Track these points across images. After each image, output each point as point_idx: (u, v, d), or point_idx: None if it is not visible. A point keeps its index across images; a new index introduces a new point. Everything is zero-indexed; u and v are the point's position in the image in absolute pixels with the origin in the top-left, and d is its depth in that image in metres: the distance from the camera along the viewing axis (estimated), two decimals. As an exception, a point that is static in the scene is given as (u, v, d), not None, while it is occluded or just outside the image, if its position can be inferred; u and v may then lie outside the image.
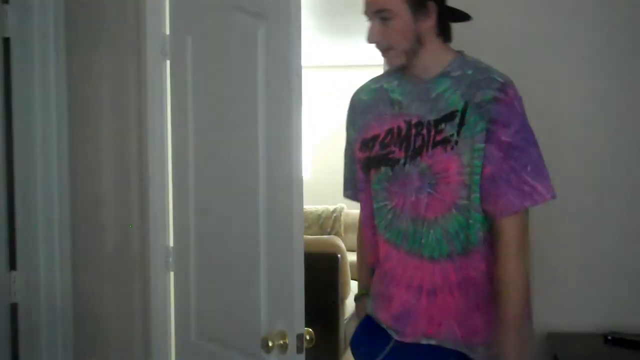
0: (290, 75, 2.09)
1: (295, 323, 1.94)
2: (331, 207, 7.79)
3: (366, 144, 2.04)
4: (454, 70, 1.90)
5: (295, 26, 2.10)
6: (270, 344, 1.94)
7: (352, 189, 2.19)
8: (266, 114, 2.18)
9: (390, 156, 1.95)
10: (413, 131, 1.91)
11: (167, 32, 2.62)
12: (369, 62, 7.54)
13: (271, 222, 2.13)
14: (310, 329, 2.02)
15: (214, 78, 2.39)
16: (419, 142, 1.89)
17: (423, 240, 1.90)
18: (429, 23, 1.89)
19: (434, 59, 1.93)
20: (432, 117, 1.89)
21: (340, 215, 7.74)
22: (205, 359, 2.44)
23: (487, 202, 1.84)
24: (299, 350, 1.92)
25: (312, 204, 7.53)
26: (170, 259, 2.64)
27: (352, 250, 7.79)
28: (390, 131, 1.96)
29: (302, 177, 2.11)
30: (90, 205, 2.62)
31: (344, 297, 4.90)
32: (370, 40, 1.94)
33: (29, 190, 2.50)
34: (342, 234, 7.55)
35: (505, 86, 1.82)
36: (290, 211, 2.06)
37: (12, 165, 2.45)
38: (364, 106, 2.08)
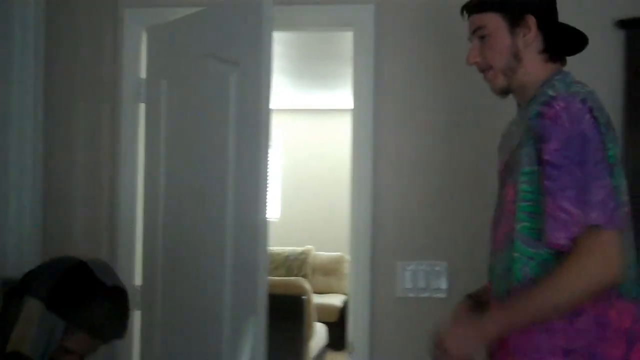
0: (260, 120, 2.18)
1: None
2: (299, 249, 7.83)
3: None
4: (542, 93, 1.67)
5: (266, 73, 2.20)
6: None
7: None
8: (236, 157, 2.26)
9: (500, 190, 1.81)
10: (511, 160, 1.73)
11: (143, 76, 2.71)
12: (339, 107, 7.74)
13: (237, 263, 2.19)
14: (273, 368, 2.08)
15: (187, 121, 2.48)
16: (511, 171, 1.72)
17: (495, 276, 1.74)
18: (529, 38, 1.72)
19: (531, 80, 1.73)
20: None
21: (308, 257, 7.79)
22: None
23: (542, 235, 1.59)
24: (262, 386, 1.97)
25: (280, 246, 7.58)
26: (138, 298, 2.68)
27: (319, 292, 7.81)
28: (504, 164, 1.81)
29: (267, 219, 2.18)
30: (58, 245, 2.64)
31: (308, 339, 4.93)
32: (469, 61, 1.80)
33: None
34: (310, 276, 7.59)
35: (553, 99, 1.58)
36: (255, 252, 2.13)
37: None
38: (503, 137, 1.91)
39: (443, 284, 2.59)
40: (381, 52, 2.66)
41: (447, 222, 2.62)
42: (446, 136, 2.64)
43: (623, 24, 2.50)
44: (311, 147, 8.17)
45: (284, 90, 6.95)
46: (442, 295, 2.60)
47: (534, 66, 1.73)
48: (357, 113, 2.67)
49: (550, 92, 1.61)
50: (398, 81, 2.66)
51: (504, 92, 1.80)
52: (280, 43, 4.82)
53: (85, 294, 1.70)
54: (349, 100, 2.71)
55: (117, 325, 1.75)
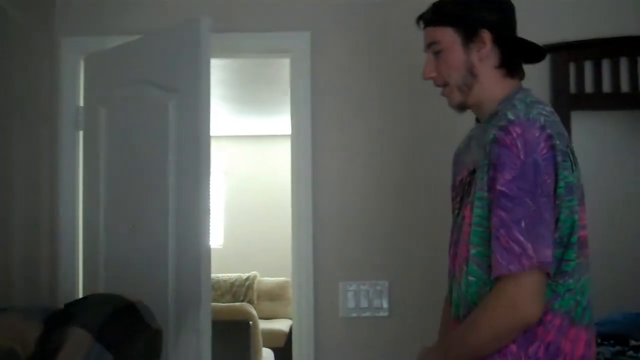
0: (200, 146, 2.20)
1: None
2: (244, 275, 7.80)
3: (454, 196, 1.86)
4: (502, 109, 1.62)
5: (204, 99, 2.23)
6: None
7: None
8: (176, 183, 2.28)
9: (455, 207, 1.78)
10: (468, 179, 1.69)
11: (81, 103, 2.70)
12: (280, 133, 7.78)
13: (180, 290, 2.19)
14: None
15: (127, 148, 2.48)
16: (467, 191, 1.68)
17: (454, 299, 1.71)
18: (483, 53, 1.67)
19: (488, 96, 1.69)
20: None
21: (254, 282, 7.75)
22: None
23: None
24: (207, 412, 1.97)
25: (225, 272, 7.53)
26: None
27: (265, 318, 7.75)
28: (460, 181, 1.77)
29: (209, 245, 2.19)
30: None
31: (256, 364, 4.91)
32: (424, 75, 1.75)
33: None
34: (255, 302, 7.56)
35: (510, 124, 1.53)
36: (199, 279, 2.14)
37: None
38: (457, 155, 1.86)
39: (384, 302, 2.64)
40: (318, 77, 2.71)
41: (387, 243, 2.67)
42: (384, 159, 2.71)
43: (548, 48, 2.62)
44: (253, 173, 8.18)
45: (224, 117, 6.96)
46: (384, 314, 2.64)
47: (490, 82, 1.69)
48: (295, 138, 2.71)
49: (510, 116, 1.55)
50: (335, 106, 2.72)
51: (461, 108, 1.75)
52: (220, 69, 4.85)
53: (132, 332, 1.79)
54: (288, 125, 2.75)
55: None
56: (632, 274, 2.66)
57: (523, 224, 1.49)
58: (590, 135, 2.74)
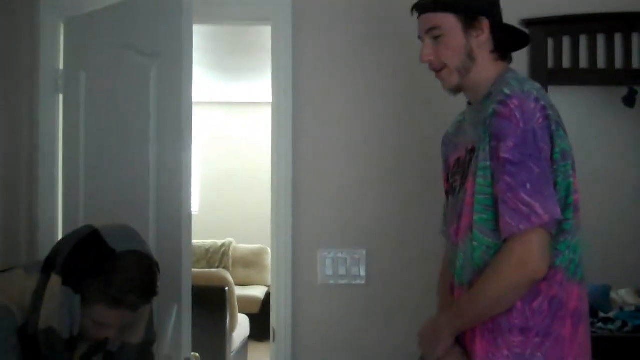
0: (181, 112, 2.21)
1: (183, 348, 2.03)
2: (219, 242, 7.83)
3: (447, 176, 1.99)
4: (494, 89, 1.77)
5: (187, 65, 2.23)
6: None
7: (444, 225, 2.02)
8: (157, 149, 2.28)
9: (454, 185, 1.89)
10: (468, 158, 1.81)
11: (61, 67, 2.67)
12: (257, 100, 7.75)
13: (161, 254, 2.21)
14: (197, 354, 2.12)
15: (107, 113, 2.47)
16: (470, 169, 1.78)
17: (457, 267, 1.80)
18: (482, 39, 1.82)
19: (484, 78, 1.82)
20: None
21: (229, 249, 7.79)
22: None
23: (497, 225, 1.68)
24: (186, 374, 2.00)
25: (200, 239, 7.55)
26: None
27: (241, 284, 7.80)
28: (457, 161, 1.89)
29: (191, 212, 2.21)
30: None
31: (232, 330, 4.96)
32: (423, 59, 1.86)
33: None
34: (231, 268, 7.61)
35: (508, 98, 1.67)
36: (180, 244, 2.16)
37: None
38: (449, 139, 2.01)
39: (362, 271, 2.68)
40: (299, 46, 2.71)
41: (366, 211, 2.71)
42: (365, 128, 2.73)
43: (527, 23, 2.65)
44: (231, 140, 8.16)
45: (203, 83, 6.92)
46: (361, 282, 2.68)
47: (486, 65, 1.83)
48: (276, 106, 2.72)
49: (506, 90, 1.68)
50: (316, 74, 2.73)
51: (457, 90, 1.87)
52: (200, 35, 4.81)
53: (95, 264, 1.64)
54: (269, 93, 2.76)
55: (137, 291, 1.65)
56: (602, 245, 2.72)
57: (528, 186, 1.62)
58: (566, 109, 2.79)
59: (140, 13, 2.36)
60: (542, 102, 1.68)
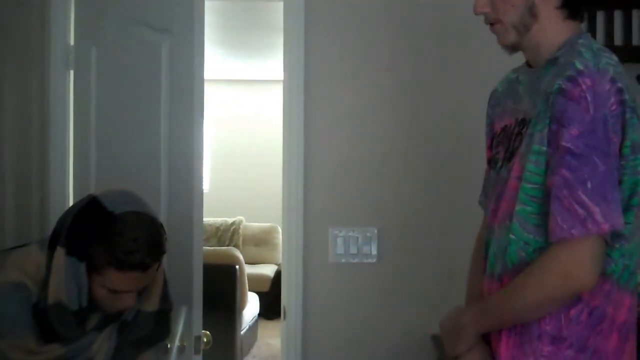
0: (193, 89, 2.19)
1: (194, 326, 2.03)
2: (230, 220, 7.85)
3: (491, 142, 1.73)
4: (562, 55, 1.50)
5: (198, 41, 2.21)
6: (168, 345, 2.02)
7: (484, 196, 1.79)
8: (169, 126, 2.27)
9: (496, 157, 1.65)
10: (516, 130, 1.57)
11: (72, 42, 2.66)
12: (269, 78, 7.72)
13: (172, 232, 2.20)
14: (208, 332, 2.12)
15: (118, 89, 2.45)
16: (517, 143, 1.55)
17: (490, 254, 1.60)
18: None
19: (547, 39, 1.55)
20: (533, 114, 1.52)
21: (239, 227, 7.81)
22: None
23: (542, 221, 1.46)
24: (197, 351, 2.01)
25: (210, 217, 7.57)
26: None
27: (251, 263, 7.83)
28: (503, 129, 1.64)
29: (202, 189, 2.20)
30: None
31: (242, 308, 4.98)
32: (476, 10, 1.59)
33: None
34: (241, 246, 7.62)
35: (580, 74, 1.40)
36: (191, 222, 2.15)
37: None
38: (496, 99, 1.74)
39: (373, 249, 2.67)
40: (312, 23, 2.68)
41: (378, 190, 2.69)
42: (377, 105, 2.70)
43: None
44: (242, 117, 8.15)
45: (214, 60, 6.89)
46: (372, 260, 2.68)
47: (551, 24, 1.55)
48: (287, 84, 2.70)
49: (578, 65, 1.42)
50: (329, 53, 2.70)
51: (513, 49, 1.61)
52: (211, 11, 4.78)
53: (96, 229, 1.62)
54: (280, 70, 2.73)
55: (143, 250, 1.62)
56: None
57: (589, 185, 1.37)
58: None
59: (151, -12, 2.34)
60: (619, 84, 1.42)
